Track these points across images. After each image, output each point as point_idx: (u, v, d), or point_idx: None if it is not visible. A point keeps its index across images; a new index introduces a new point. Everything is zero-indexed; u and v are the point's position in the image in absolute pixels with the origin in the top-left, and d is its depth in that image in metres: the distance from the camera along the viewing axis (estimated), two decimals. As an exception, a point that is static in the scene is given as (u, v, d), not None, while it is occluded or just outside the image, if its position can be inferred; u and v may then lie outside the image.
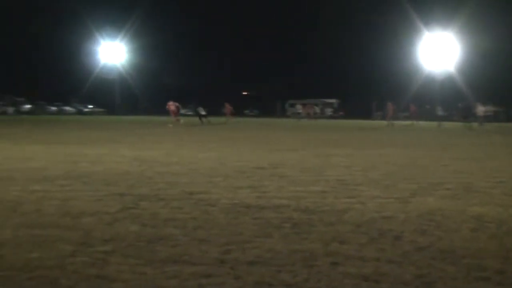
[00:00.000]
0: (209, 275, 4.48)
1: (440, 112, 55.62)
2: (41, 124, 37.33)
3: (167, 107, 40.54)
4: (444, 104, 61.13)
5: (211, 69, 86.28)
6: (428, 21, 54.99)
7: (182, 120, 40.79)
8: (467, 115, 47.56)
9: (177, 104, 40.58)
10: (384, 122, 42.72)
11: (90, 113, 75.54)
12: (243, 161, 13.09)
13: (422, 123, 49.92)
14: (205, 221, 6.38)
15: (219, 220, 6.47)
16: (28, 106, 71.52)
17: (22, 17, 78.87)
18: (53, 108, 75.35)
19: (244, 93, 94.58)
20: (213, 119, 46.28)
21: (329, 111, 73.79)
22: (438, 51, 53.27)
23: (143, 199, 7.74)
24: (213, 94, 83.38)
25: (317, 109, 70.17)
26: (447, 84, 56.21)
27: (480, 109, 46.79)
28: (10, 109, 65.65)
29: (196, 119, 43.28)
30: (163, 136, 24.73)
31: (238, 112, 79.05)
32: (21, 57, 78.05)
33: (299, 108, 62.04)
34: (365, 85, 73.67)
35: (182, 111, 45.61)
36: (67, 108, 77.13)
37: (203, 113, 43.20)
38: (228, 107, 50.71)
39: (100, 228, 5.99)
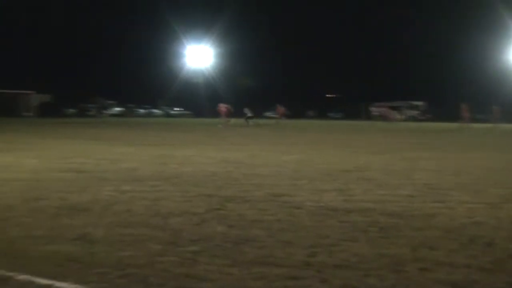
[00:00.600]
0: (295, 278, 4.49)
1: None
2: (131, 126, 38.63)
3: (218, 108, 43.58)
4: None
5: (294, 71, 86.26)
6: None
7: (232, 121, 42.59)
8: None
9: (227, 106, 43.26)
10: (467, 125, 41.16)
11: (178, 115, 77.34)
12: (328, 164, 13.01)
13: (504, 126, 47.75)
14: (290, 223, 6.40)
15: (305, 222, 6.47)
16: (119, 109, 74.09)
17: (108, 21, 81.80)
18: (142, 111, 77.67)
19: (328, 95, 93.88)
20: (290, 121, 46.32)
21: (415, 113, 71.94)
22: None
23: (229, 200, 7.85)
24: (296, 97, 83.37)
25: (396, 112, 68.54)
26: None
27: None
28: (102, 112, 68.25)
29: (256, 121, 43.76)
30: (247, 138, 24.99)
31: (322, 114, 78.72)
32: (112, 61, 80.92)
33: (375, 110, 61.16)
34: (453, 86, 71.39)
35: (268, 113, 46.70)
36: (155, 110, 79.29)
37: (250, 114, 44.37)
38: (279, 109, 50.26)
39: (188, 228, 6.13)
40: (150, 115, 76.53)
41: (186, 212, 7.00)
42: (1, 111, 55.82)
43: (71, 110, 67.44)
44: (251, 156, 14.84)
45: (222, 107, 43.56)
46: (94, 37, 79.60)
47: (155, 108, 79.90)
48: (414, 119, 68.82)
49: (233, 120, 42.46)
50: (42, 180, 9.65)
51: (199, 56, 77.66)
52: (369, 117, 59.56)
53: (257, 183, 9.62)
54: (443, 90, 72.55)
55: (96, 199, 7.84)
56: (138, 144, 19.10)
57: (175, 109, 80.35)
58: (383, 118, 59.79)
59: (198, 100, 79.51)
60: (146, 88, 79.07)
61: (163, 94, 77.99)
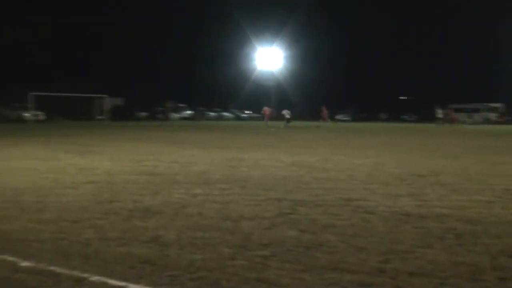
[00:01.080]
0: (368, 284, 4.44)
1: None
2: (202, 129, 39.22)
3: (262, 112, 45.48)
4: None
5: (367, 74, 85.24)
6: None
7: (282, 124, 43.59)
8: None
9: (271, 109, 45.22)
10: None
11: (247, 118, 77.89)
12: (402, 168, 12.78)
13: None
14: (363, 229, 6.32)
15: (378, 228, 6.38)
16: (189, 112, 75.34)
17: (179, 24, 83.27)
18: (212, 114, 78.71)
19: (401, 97, 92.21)
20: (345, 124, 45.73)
21: (493, 115, 69.54)
22: None
23: (300, 204, 7.83)
24: (370, 99, 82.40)
25: (465, 115, 66.41)
26: None
27: None
28: (174, 115, 69.48)
29: (303, 123, 43.59)
30: (317, 141, 24.87)
31: (395, 117, 77.37)
32: (183, 64, 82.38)
33: (440, 113, 59.62)
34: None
35: (339, 116, 46.52)
36: (226, 113, 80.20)
37: (288, 116, 45.25)
38: (324, 111, 49.44)
39: (258, 232, 6.16)
40: (220, 118, 77.46)
41: (256, 216, 7.04)
42: (77, 115, 57.86)
43: (143, 114, 69.13)
44: (323, 160, 14.76)
45: (267, 110, 45.18)
46: (166, 41, 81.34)
47: (225, 111, 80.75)
48: (490, 121, 66.56)
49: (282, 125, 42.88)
50: (115, 183, 9.94)
51: (269, 58, 77.93)
52: (434, 119, 58.06)
53: (328, 187, 9.56)
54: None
55: (168, 202, 8.00)
56: (208, 147, 19.36)
57: (246, 112, 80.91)
58: (446, 120, 58.14)
59: (268, 103, 79.87)
60: (217, 91, 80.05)
61: (234, 97, 78.85)
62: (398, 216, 7.01)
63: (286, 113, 45.48)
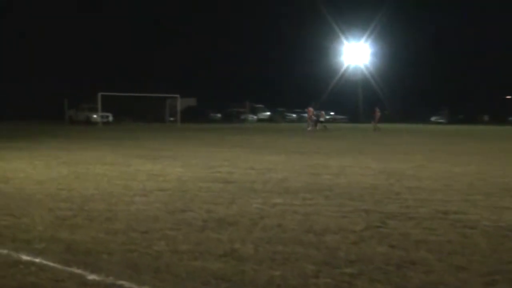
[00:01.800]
0: (470, 310, 4.30)
1: None
2: (281, 132, 39.32)
3: (307, 112, 46.88)
4: None
5: (464, 71, 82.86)
6: None
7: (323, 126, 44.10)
8: None
9: (314, 109, 46.25)
10: None
11: (331, 120, 77.43)
12: (509, 177, 12.35)
13: None
14: (463, 246, 6.14)
15: (480, 245, 6.18)
16: (267, 113, 75.67)
17: (256, 17, 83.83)
18: (293, 115, 78.73)
19: (507, 97, 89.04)
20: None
21: None
22: None
23: (391, 217, 7.71)
24: (468, 99, 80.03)
25: None
26: None
27: None
28: (251, 117, 70.01)
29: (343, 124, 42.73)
30: (412, 146, 24.41)
31: (499, 119, 74.75)
32: (261, 60, 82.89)
33: None
34: None
35: (433, 118, 45.38)
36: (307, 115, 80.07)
37: (322, 119, 46.27)
38: (376, 113, 47.85)
39: (345, 247, 6.09)
40: (301, 120, 77.30)
41: (342, 229, 6.98)
42: (147, 116, 59.26)
43: (217, 115, 70.00)
44: (417, 167, 14.47)
45: (311, 111, 46.01)
46: (241, 36, 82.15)
47: (307, 112, 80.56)
48: None
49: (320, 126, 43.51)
50: (187, 191, 10.09)
51: (356, 55, 77.26)
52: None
53: (423, 198, 9.37)
54: None
55: (245, 212, 8.05)
56: (288, 152, 19.39)
57: (330, 113, 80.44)
58: None
59: (353, 104, 79.09)
60: (298, 90, 79.85)
61: (316, 97, 78.49)
62: (504, 232, 6.78)
63: (320, 114, 46.49)
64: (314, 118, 45.43)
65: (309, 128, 42.93)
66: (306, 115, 48.39)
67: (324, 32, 76.53)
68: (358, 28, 75.57)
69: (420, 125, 47.83)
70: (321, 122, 45.80)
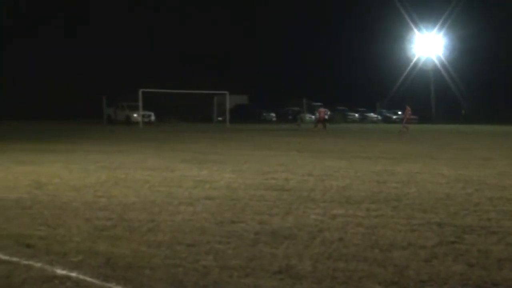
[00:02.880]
0: None
1: None
2: (342, 134, 39.14)
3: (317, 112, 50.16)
4: None
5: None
6: None
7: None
8: None
9: (325, 109, 49.86)
10: None
11: (399, 121, 76.54)
12: None
13: None
14: (553, 266, 6.00)
15: None
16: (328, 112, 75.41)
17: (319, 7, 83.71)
18: (355, 115, 78.26)
19: None
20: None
21: None
22: None
23: (468, 231, 7.60)
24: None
25: None
26: None
27: None
28: (308, 116, 69.81)
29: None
30: (493, 150, 23.98)
31: None
32: (319, 54, 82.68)
33: None
34: None
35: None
36: (372, 115, 79.42)
37: (326, 117, 48.80)
38: (407, 111, 46.47)
39: (415, 265, 6.03)
40: (364, 120, 76.81)
41: (411, 244, 6.90)
42: (193, 115, 59.65)
43: (270, 115, 69.97)
44: (499, 175, 14.21)
45: (322, 111, 49.05)
46: (297, 28, 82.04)
47: (371, 111, 79.83)
48: None
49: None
50: (238, 199, 10.13)
51: (428, 47, 76.14)
52: None
53: (507, 210, 9.22)
54: None
55: (302, 224, 8.03)
56: (350, 157, 19.27)
57: (398, 113, 79.47)
58: None
59: (424, 102, 77.87)
60: (361, 87, 79.20)
61: (383, 94, 77.63)
62: None
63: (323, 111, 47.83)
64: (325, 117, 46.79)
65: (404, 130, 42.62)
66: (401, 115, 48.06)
67: (394, 21, 75.76)
68: (430, 17, 74.49)
69: (505, 127, 46.74)
70: (325, 121, 47.24)
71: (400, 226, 7.94)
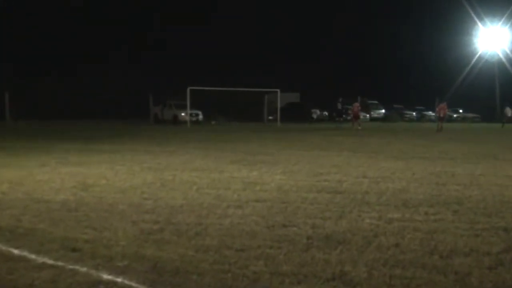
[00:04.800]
0: None
1: None
2: (399, 133, 38.78)
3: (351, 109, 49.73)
4: None
5: None
6: None
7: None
8: None
9: (359, 106, 49.32)
10: None
11: (460, 119, 75.59)
12: None
13: None
14: None
15: None
16: (382, 111, 74.81)
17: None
18: (413, 114, 77.49)
19: None
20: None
21: None
22: None
23: (535, 237, 7.48)
24: None
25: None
26: None
27: None
28: (363, 115, 69.31)
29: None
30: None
31: None
32: (376, 49, 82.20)
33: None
34: None
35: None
36: (430, 113, 78.51)
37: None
38: (443, 108, 44.99)
39: (478, 273, 5.96)
40: (422, 119, 76.01)
41: (474, 250, 6.83)
42: (243, 114, 59.74)
43: (323, 113, 69.68)
44: None
45: (356, 107, 48.34)
46: (352, 18, 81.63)
47: (429, 109, 78.92)
48: None
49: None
50: (289, 202, 10.12)
51: (493, 41, 74.85)
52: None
53: None
54: None
55: (356, 229, 8.00)
56: (407, 158, 19.08)
57: (459, 111, 78.43)
58: None
59: (488, 100, 76.65)
60: (420, 84, 78.36)
61: (443, 91, 76.52)
62: None
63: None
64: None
65: (359, 128, 43.19)
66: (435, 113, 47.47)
67: (455, 14, 74.78)
68: (495, 10, 73.21)
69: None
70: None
71: (462, 231, 7.85)
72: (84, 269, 6.13)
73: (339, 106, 62.48)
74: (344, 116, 60.60)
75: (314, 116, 65.53)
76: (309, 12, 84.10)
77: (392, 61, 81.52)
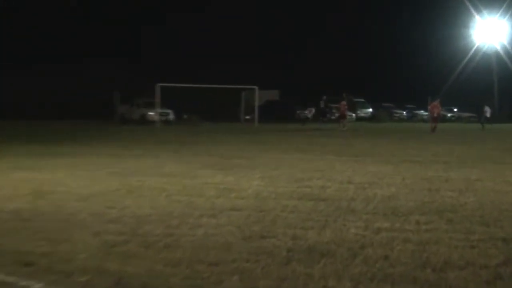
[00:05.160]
0: None
1: None
2: (387, 135, 38.87)
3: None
4: None
5: None
6: None
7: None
8: None
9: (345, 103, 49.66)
10: None
11: (454, 119, 75.99)
12: None
13: None
14: None
15: None
16: (369, 110, 74.99)
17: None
18: (403, 113, 77.78)
19: None
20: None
21: None
22: None
23: (541, 249, 7.54)
24: None
25: None
26: None
27: None
28: (349, 114, 69.50)
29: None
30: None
31: None
32: (360, 43, 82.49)
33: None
34: None
35: None
36: (422, 112, 78.81)
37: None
38: (436, 107, 45.35)
39: (474, 287, 6.00)
40: (414, 118, 76.31)
41: (470, 263, 6.87)
42: (217, 114, 59.61)
43: (304, 112, 69.68)
44: None
45: (343, 105, 49.11)
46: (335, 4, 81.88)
47: (421, 108, 79.24)
48: None
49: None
50: (268, 210, 10.11)
51: (491, 34, 75.27)
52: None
53: None
54: None
55: (341, 240, 8.01)
56: (397, 161, 19.14)
57: (454, 110, 78.84)
58: None
59: (484, 98, 77.07)
60: (410, 80, 78.63)
61: (436, 89, 76.83)
62: None
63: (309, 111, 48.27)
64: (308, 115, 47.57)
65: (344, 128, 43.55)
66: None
67: (449, 3, 75.18)
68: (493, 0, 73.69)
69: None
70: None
71: (457, 241, 7.88)
72: (39, 286, 6.07)
73: (322, 104, 62.54)
74: (328, 115, 60.70)
75: (309, 115, 65.10)
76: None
77: (380, 55, 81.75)
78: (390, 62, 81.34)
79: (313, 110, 63.27)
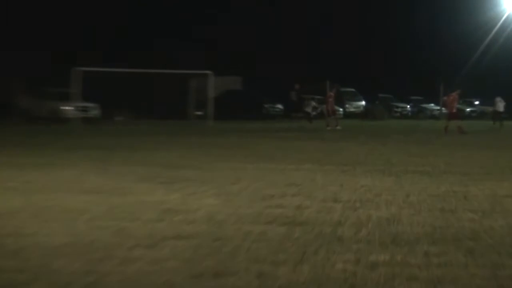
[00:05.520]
0: None
1: None
2: (385, 135, 39.13)
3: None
4: None
5: None
6: None
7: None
8: None
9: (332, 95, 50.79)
10: None
11: (473, 115, 76.55)
12: None
13: None
14: None
15: None
16: (361, 103, 75.52)
17: None
18: (406, 107, 78.36)
19: None
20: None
21: None
22: None
23: None
24: None
25: None
26: None
27: None
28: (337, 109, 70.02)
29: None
30: None
31: None
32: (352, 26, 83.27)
33: None
34: None
35: None
36: (432, 106, 79.38)
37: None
38: (453, 99, 46.10)
39: None
40: (420, 114, 76.85)
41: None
42: (159, 108, 59.50)
43: (277, 106, 69.74)
44: None
45: (330, 96, 49.98)
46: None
47: (431, 102, 79.81)
48: None
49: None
50: (225, 239, 10.09)
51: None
52: None
53: None
54: None
55: (324, 278, 8.01)
56: (398, 172, 19.21)
57: (476, 103, 79.40)
58: None
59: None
60: (416, 63, 79.24)
61: (450, 76, 77.47)
62: None
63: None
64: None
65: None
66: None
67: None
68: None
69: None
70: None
71: (480, 280, 7.91)
72: None
73: (294, 96, 62.61)
74: (313, 113, 60.77)
75: (314, 111, 64.84)
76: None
77: (377, 30, 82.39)
78: (390, 39, 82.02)
79: (315, 104, 63.64)
